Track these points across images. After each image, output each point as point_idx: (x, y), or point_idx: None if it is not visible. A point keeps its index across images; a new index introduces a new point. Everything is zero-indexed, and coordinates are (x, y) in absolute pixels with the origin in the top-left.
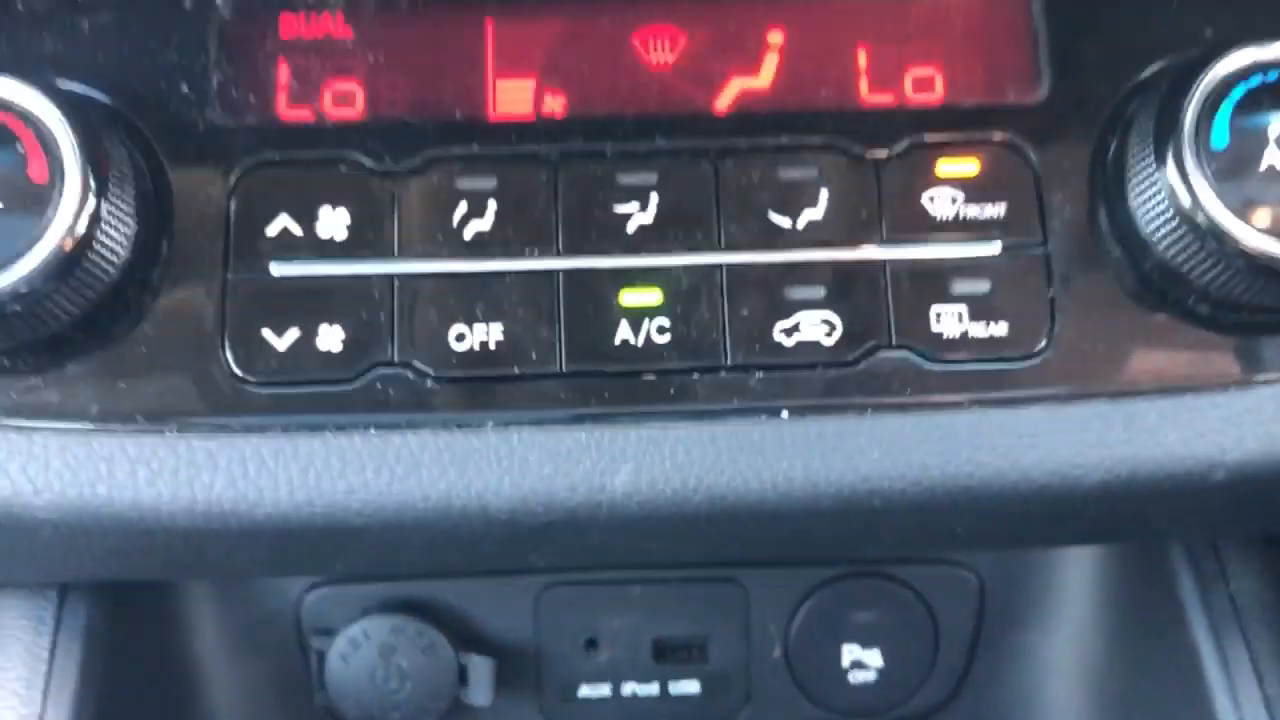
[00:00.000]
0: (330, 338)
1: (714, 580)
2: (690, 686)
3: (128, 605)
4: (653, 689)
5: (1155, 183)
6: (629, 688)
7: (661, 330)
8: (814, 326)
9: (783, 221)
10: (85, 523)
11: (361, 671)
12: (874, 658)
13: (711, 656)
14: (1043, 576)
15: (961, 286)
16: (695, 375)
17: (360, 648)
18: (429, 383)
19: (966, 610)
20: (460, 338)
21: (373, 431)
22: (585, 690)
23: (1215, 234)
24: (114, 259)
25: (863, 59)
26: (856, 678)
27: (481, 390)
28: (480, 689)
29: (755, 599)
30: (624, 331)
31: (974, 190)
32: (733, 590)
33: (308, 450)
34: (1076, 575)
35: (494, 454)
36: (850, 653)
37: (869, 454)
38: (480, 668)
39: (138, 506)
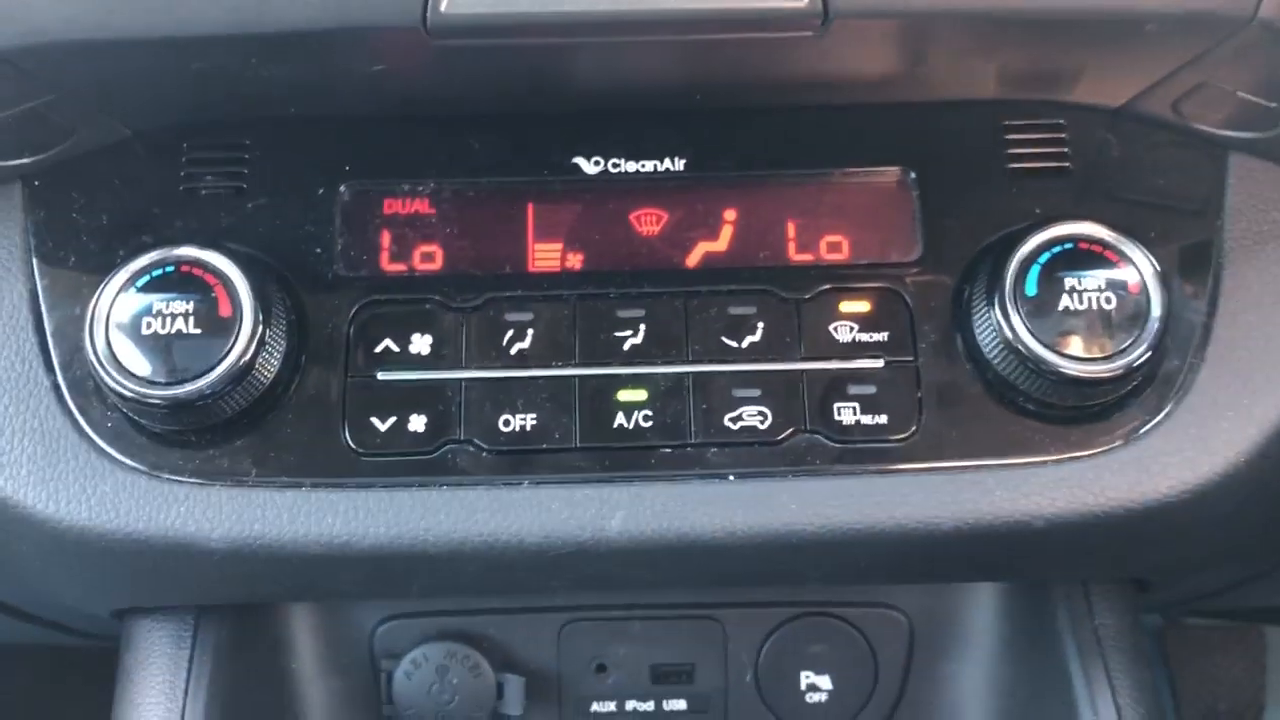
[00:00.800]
0: (417, 423)
1: (698, 618)
2: (679, 704)
3: (245, 628)
4: (650, 706)
5: (988, 319)
6: (631, 704)
7: (646, 418)
8: (752, 417)
9: (732, 343)
10: (243, 552)
11: (421, 687)
12: (825, 682)
13: (697, 680)
14: (961, 617)
15: (855, 390)
16: (669, 450)
17: (420, 668)
18: (484, 454)
19: (899, 645)
20: (506, 423)
21: (444, 488)
22: (596, 706)
23: (1030, 357)
24: (270, 369)
25: (791, 230)
26: (812, 698)
27: (520, 460)
28: (514, 703)
29: (731, 634)
30: (620, 419)
31: (866, 322)
32: (713, 627)
33: (399, 501)
34: (985, 616)
35: (528, 504)
36: (807, 678)
37: (789, 507)
38: (514, 685)
39: (280, 539)
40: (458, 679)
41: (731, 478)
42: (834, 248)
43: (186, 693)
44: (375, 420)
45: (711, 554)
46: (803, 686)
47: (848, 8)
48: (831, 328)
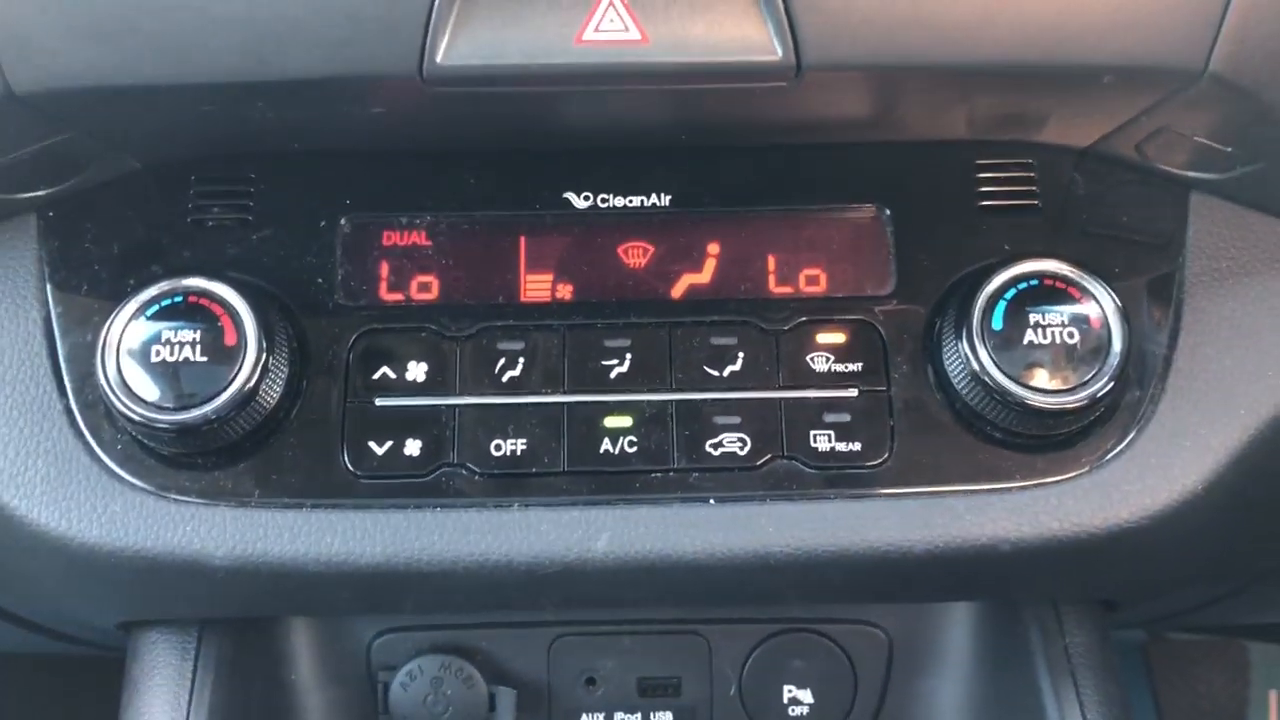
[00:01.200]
0: (413, 447)
1: (684, 633)
2: (666, 717)
3: (247, 641)
4: (637, 718)
5: (957, 351)
6: (619, 716)
7: (631, 444)
8: (732, 443)
9: (713, 373)
10: (245, 569)
11: (416, 698)
12: (806, 696)
13: (683, 693)
14: (938, 635)
15: (831, 417)
16: (653, 474)
17: (416, 679)
18: (476, 477)
19: (878, 660)
20: (497, 447)
21: (439, 509)
22: (585, 718)
23: (996, 388)
24: (273, 395)
25: (772, 263)
26: (793, 712)
27: (511, 483)
28: (506, 714)
29: (716, 649)
30: (606, 445)
31: (841, 353)
32: (699, 641)
33: (396, 521)
34: (962, 634)
35: (518, 525)
36: (789, 692)
37: (766, 529)
38: (506, 697)
39: (282, 557)
40: (451, 690)
41: (712, 501)
42: (812, 281)
43: (190, 702)
44: (373, 444)
45: (693, 574)
46: (785, 700)
47: (818, 62)
48: (809, 358)
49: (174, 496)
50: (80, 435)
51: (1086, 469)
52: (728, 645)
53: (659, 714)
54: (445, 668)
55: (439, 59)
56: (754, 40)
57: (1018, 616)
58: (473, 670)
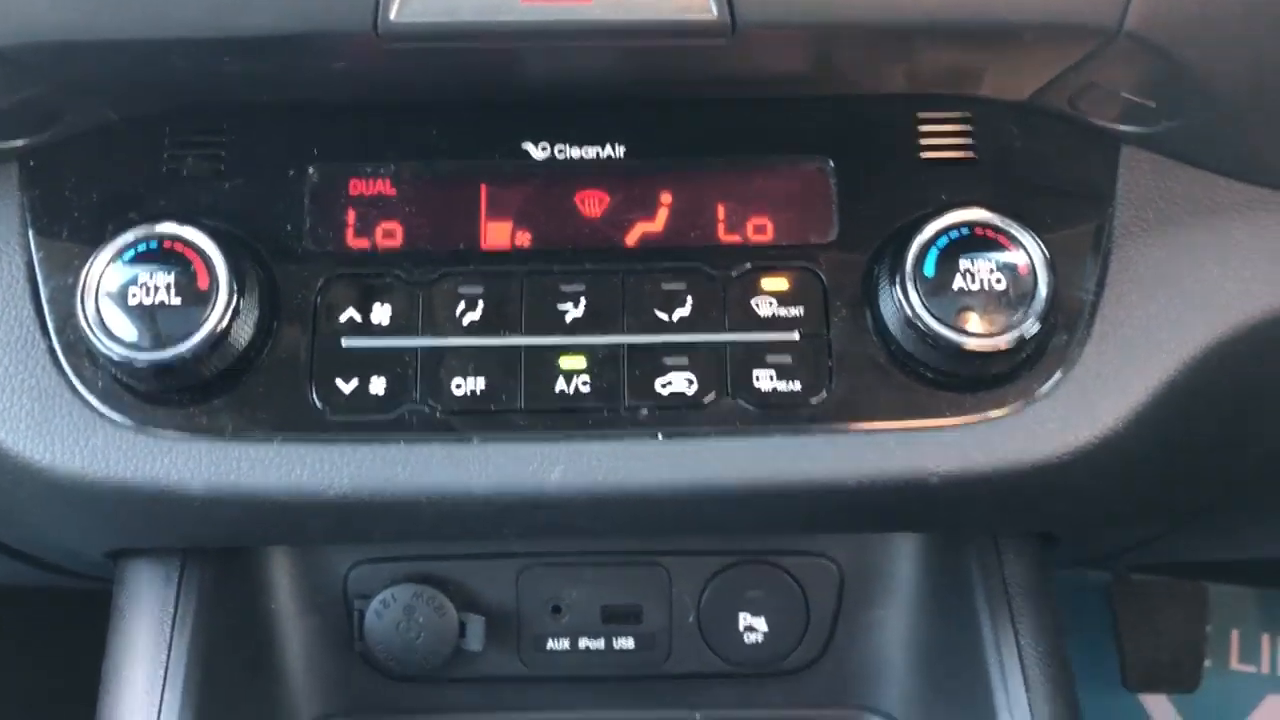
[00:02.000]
0: (378, 385)
1: (645, 564)
2: (628, 643)
3: (228, 570)
4: (600, 644)
5: (891, 297)
6: (583, 642)
7: (585, 384)
8: (680, 382)
9: (663, 316)
10: (222, 499)
11: (390, 625)
12: (761, 624)
13: (644, 620)
14: (887, 567)
15: (773, 359)
16: (604, 412)
17: (390, 607)
18: (438, 414)
19: (830, 591)
20: (458, 386)
21: (402, 444)
22: (551, 644)
23: (927, 331)
24: (245, 336)
25: (721, 212)
26: (748, 638)
27: (470, 420)
28: (475, 639)
29: (675, 578)
30: (561, 384)
31: (784, 298)
32: (659, 571)
33: (361, 455)
34: (909, 566)
35: (477, 459)
36: (744, 620)
37: (711, 463)
38: (475, 624)
39: (254, 488)
40: (424, 618)
41: (660, 437)
42: (759, 230)
43: (173, 627)
44: (340, 382)
45: (642, 504)
46: (741, 627)
47: (752, 20)
48: (754, 302)
49: (152, 431)
50: (63, 373)
51: (1014, 408)
52: (686, 575)
53: (621, 640)
54: (417, 596)
55: (392, 16)
56: (691, 0)
57: (960, 550)
58: (444, 599)
